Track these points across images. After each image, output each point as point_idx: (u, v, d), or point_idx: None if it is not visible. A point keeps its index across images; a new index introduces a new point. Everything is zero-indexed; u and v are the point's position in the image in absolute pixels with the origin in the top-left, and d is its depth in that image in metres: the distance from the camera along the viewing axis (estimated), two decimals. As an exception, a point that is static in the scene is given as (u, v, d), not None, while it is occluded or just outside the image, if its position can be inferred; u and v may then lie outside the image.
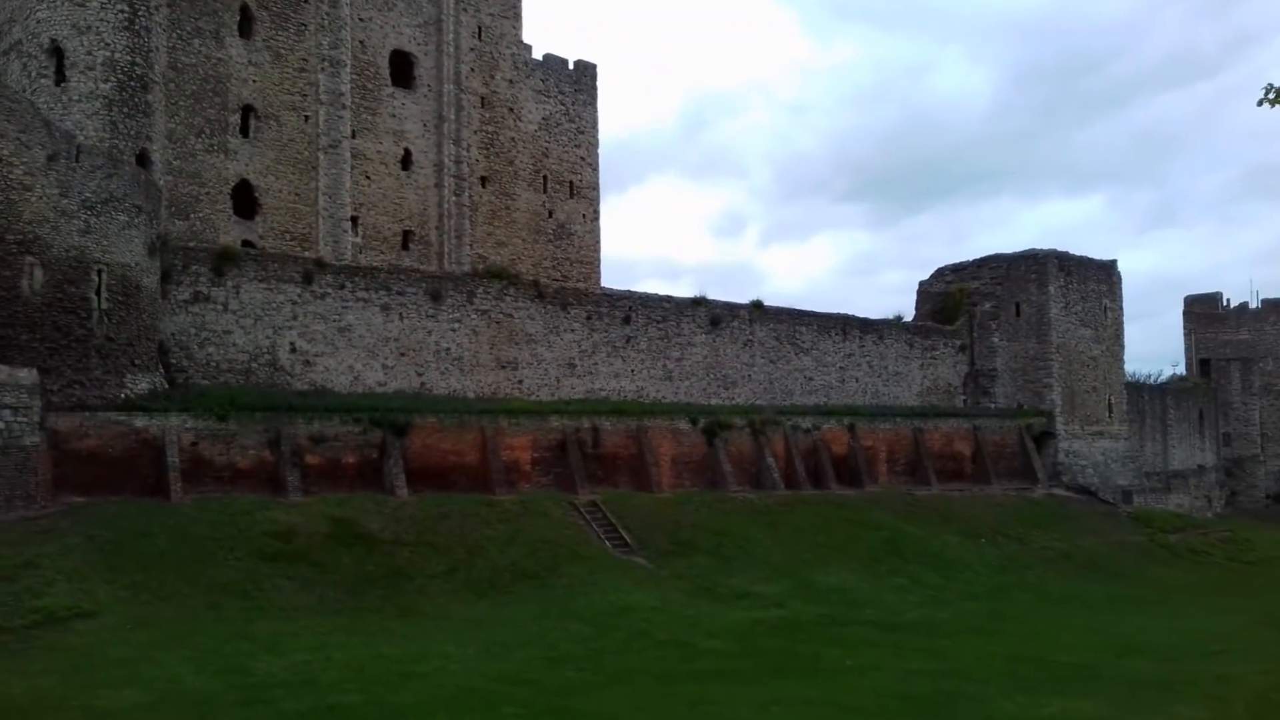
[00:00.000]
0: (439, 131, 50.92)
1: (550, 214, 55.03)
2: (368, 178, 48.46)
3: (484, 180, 52.54)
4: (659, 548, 35.28)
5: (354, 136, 47.78)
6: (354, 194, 47.55)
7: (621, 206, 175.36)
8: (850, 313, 54.67)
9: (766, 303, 51.84)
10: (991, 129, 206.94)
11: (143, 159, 37.96)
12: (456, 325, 42.04)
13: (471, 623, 26.91)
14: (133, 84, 38.05)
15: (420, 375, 40.91)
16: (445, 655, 23.21)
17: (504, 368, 43.09)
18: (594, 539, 35.05)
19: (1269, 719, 19.65)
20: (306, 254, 42.89)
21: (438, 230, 50.55)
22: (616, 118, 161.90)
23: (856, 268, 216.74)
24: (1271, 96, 11.17)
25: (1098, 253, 72.50)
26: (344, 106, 47.16)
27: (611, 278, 79.65)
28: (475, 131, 52.28)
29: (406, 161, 50.12)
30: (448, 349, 41.71)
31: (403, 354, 40.63)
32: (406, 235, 49.77)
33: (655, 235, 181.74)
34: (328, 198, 46.41)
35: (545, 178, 54.96)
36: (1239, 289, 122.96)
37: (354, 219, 47.57)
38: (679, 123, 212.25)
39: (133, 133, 37.90)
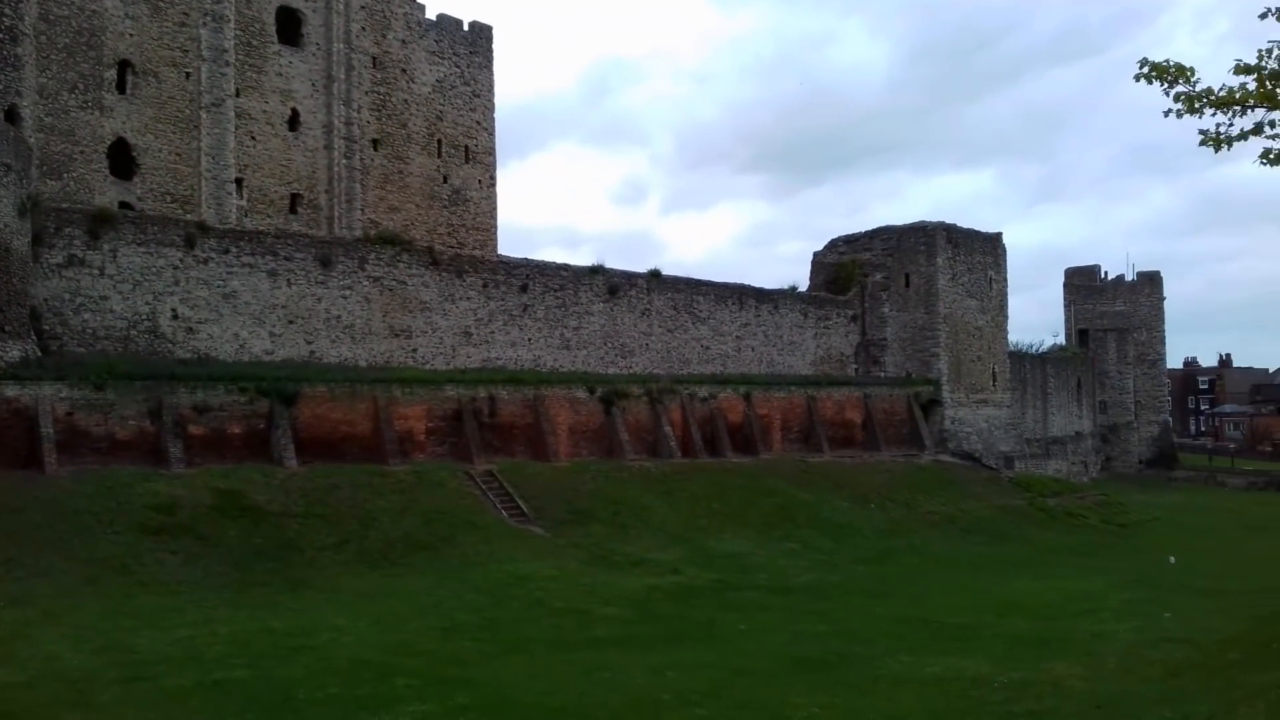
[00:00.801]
0: (328, 92, 49.55)
1: (445, 179, 54.12)
2: (253, 138, 46.95)
3: (375, 143, 51.37)
4: (556, 517, 35.23)
5: (238, 95, 46.20)
6: (238, 155, 46.02)
7: (523, 173, 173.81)
8: (747, 282, 55.20)
9: (666, 272, 51.95)
10: (888, 102, 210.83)
11: (11, 115, 36.03)
12: (348, 292, 41.05)
13: (364, 595, 26.49)
14: (1, 36, 35.99)
15: (310, 343, 39.88)
16: (336, 628, 22.80)
17: (397, 336, 42.28)
18: (490, 509, 34.82)
19: (1138, 672, 20.55)
20: (188, 217, 41.36)
21: (327, 194, 49.30)
22: (517, 82, 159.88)
23: (755, 238, 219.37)
24: (1145, 71, 11.28)
25: (988, 226, 74.66)
26: (227, 64, 45.50)
27: (511, 245, 79.03)
28: (366, 92, 51.02)
29: (294, 122, 48.69)
30: (338, 316, 40.72)
31: (291, 321, 39.51)
32: (294, 198, 48.43)
33: (556, 203, 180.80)
34: (211, 158, 44.83)
35: (440, 142, 53.98)
36: (1116, 262, 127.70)
37: (238, 181, 46.06)
38: (582, 89, 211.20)
39: (1, 88, 35.91)
